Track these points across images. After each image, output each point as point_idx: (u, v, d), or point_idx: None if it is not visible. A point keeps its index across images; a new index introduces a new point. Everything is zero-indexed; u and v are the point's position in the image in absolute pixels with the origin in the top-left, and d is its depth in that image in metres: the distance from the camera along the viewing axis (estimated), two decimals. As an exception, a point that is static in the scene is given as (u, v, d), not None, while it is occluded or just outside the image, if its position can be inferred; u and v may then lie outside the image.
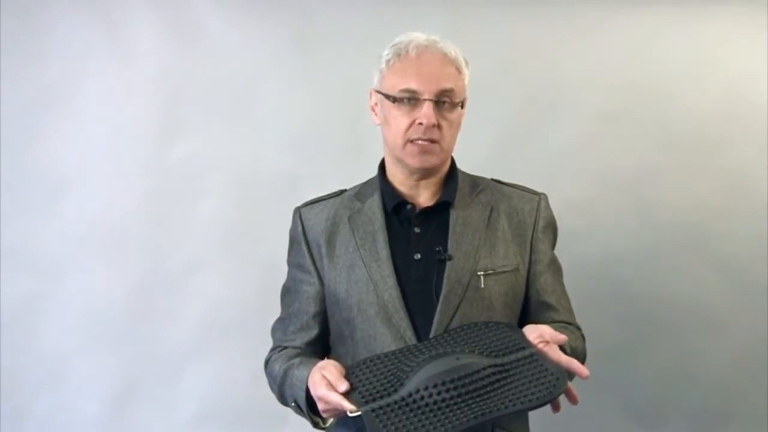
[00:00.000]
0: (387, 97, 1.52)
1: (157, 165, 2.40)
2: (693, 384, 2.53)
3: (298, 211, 1.65)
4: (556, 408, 1.40)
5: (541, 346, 1.41)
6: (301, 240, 1.62)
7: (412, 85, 1.49)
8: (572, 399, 1.40)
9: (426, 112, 1.48)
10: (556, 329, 1.47)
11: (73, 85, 2.37)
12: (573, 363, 1.40)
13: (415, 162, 1.52)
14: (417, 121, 1.49)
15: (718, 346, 2.53)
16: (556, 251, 1.66)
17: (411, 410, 1.31)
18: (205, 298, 2.42)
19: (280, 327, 1.65)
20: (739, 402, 2.54)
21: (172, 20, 2.40)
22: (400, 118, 1.51)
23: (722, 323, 2.53)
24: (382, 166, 1.62)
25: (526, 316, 1.60)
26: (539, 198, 1.63)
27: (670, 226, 2.53)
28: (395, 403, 1.32)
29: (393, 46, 1.54)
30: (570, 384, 1.39)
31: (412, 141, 1.51)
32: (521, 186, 1.66)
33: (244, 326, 2.39)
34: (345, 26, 2.42)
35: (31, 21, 2.35)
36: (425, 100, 1.48)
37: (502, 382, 1.35)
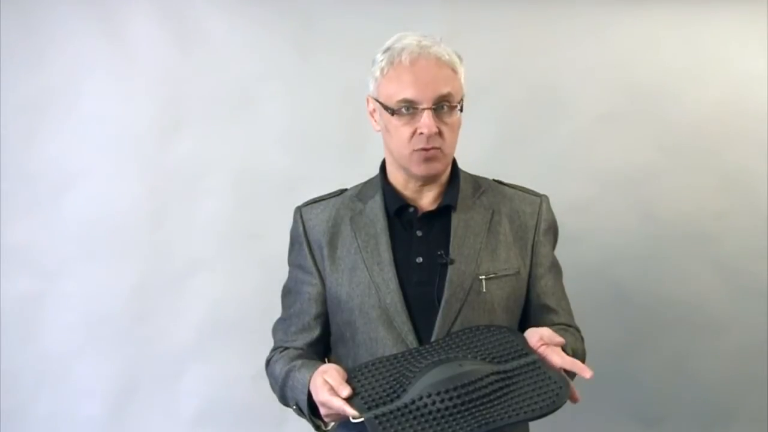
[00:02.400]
0: (385, 108, 1.50)
1: (157, 165, 2.40)
2: (693, 384, 2.53)
3: (299, 211, 1.64)
4: (575, 398, 1.39)
5: (542, 349, 1.41)
6: (302, 240, 1.61)
7: (409, 95, 1.47)
8: (574, 398, 1.40)
9: (426, 122, 1.46)
10: (555, 332, 1.47)
11: (73, 85, 2.37)
12: (577, 364, 1.40)
13: (420, 170, 1.51)
14: (418, 131, 1.47)
15: (718, 346, 2.54)
16: (555, 251, 1.66)
17: (414, 417, 1.31)
18: (205, 298, 2.42)
19: (281, 327, 1.65)
20: (739, 402, 2.54)
21: (172, 20, 2.40)
22: (401, 129, 1.49)
23: (722, 323, 2.54)
24: (383, 168, 1.61)
25: (526, 319, 1.60)
26: (541, 200, 1.62)
27: (670, 226, 2.53)
28: (398, 409, 1.32)
29: (386, 51, 1.51)
30: (571, 383, 1.39)
31: (415, 150, 1.49)
32: (523, 187, 1.65)
33: (244, 326, 2.39)
34: (344, 27, 2.42)
35: (31, 21, 2.34)
36: (424, 109, 1.47)
37: (504, 390, 1.35)
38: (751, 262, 2.54)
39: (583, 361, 1.58)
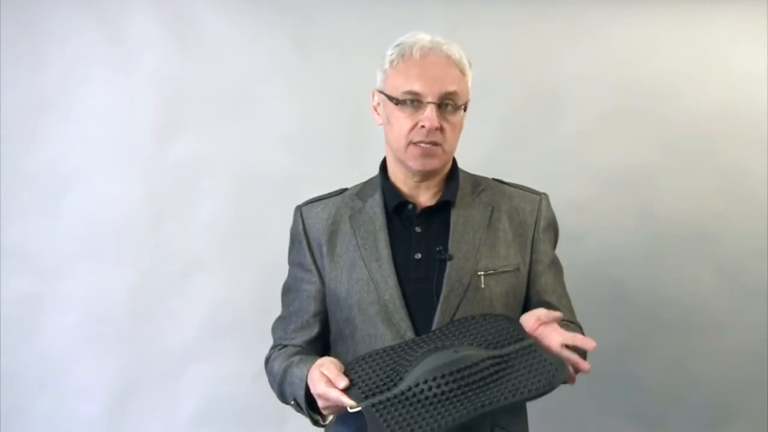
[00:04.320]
0: (390, 98, 1.52)
1: (157, 165, 2.40)
2: (693, 384, 2.53)
3: (299, 210, 1.65)
4: (572, 380, 1.41)
5: (541, 329, 1.41)
6: (302, 239, 1.61)
7: (416, 88, 1.49)
8: (583, 368, 1.40)
9: (429, 115, 1.48)
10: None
11: (73, 85, 2.37)
12: (578, 338, 1.40)
13: (416, 165, 1.52)
14: (419, 124, 1.49)
15: (718, 346, 2.54)
16: (555, 250, 1.66)
17: (411, 404, 1.31)
18: (205, 298, 2.42)
19: (280, 325, 1.65)
20: (739, 402, 2.54)
21: (172, 20, 2.40)
22: (402, 120, 1.50)
23: (722, 323, 2.54)
24: (383, 166, 1.62)
25: (527, 317, 1.60)
26: (540, 198, 1.63)
27: (669, 226, 2.53)
28: (395, 397, 1.32)
29: (397, 46, 1.53)
30: (578, 358, 1.39)
31: (414, 143, 1.50)
32: (522, 186, 1.66)
33: (244, 326, 2.39)
34: (345, 27, 2.42)
35: (31, 21, 2.35)
36: (428, 103, 1.48)
37: (501, 374, 1.35)
38: (751, 262, 2.54)
39: (584, 359, 1.58)
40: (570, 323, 1.60)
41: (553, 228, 1.64)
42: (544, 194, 1.64)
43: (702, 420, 2.54)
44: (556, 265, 1.64)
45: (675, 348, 2.53)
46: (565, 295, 1.64)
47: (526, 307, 1.60)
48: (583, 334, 1.61)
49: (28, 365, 2.37)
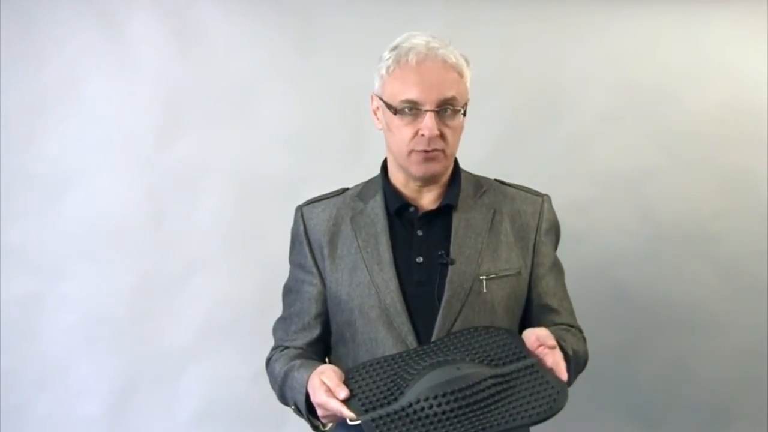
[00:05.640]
0: (388, 106, 1.50)
1: (157, 165, 2.40)
2: (693, 384, 2.54)
3: (300, 210, 1.64)
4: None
5: (540, 350, 1.41)
6: (302, 239, 1.61)
7: (413, 96, 1.47)
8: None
9: (428, 124, 1.46)
10: (556, 332, 1.47)
11: (73, 85, 2.36)
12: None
13: (418, 171, 1.51)
14: (420, 133, 1.47)
15: (718, 346, 2.54)
16: (557, 252, 1.66)
17: (411, 421, 1.31)
18: (205, 298, 2.42)
19: (281, 326, 1.65)
20: (739, 402, 2.54)
21: (172, 20, 2.39)
22: (402, 129, 1.49)
23: (722, 323, 2.54)
24: (384, 167, 1.61)
25: (527, 319, 1.59)
26: (542, 200, 1.62)
27: (670, 226, 2.53)
28: (395, 412, 1.32)
29: (393, 50, 1.51)
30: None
31: (416, 151, 1.49)
32: (524, 187, 1.65)
33: (244, 326, 2.39)
34: (345, 27, 2.42)
35: (31, 21, 2.34)
36: (427, 110, 1.46)
37: (502, 394, 1.34)
38: (751, 262, 2.54)
39: (585, 361, 1.59)
40: (570, 327, 1.60)
41: (555, 230, 1.63)
42: (546, 196, 1.64)
43: (702, 420, 2.54)
44: (557, 268, 1.63)
45: (675, 348, 2.53)
46: (566, 297, 1.63)
47: (527, 310, 1.60)
48: (584, 338, 1.62)
49: (28, 365, 2.37)
